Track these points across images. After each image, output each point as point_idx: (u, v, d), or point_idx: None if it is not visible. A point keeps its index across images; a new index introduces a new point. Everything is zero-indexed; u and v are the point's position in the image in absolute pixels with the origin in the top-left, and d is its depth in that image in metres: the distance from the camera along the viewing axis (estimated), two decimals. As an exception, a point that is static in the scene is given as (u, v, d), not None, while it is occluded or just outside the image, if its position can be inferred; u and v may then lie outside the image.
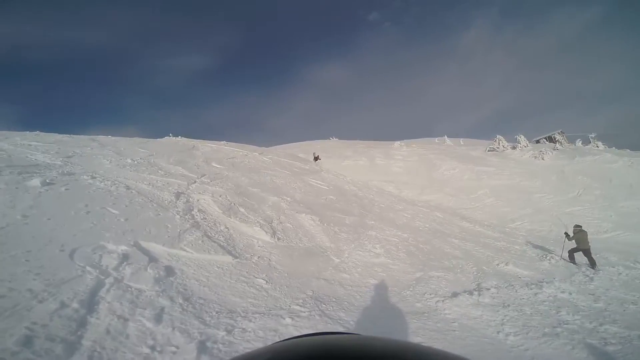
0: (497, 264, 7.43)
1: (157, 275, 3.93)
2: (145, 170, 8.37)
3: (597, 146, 32.07)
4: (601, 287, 6.40)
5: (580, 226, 9.23)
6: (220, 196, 7.42)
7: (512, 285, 5.95)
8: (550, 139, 37.81)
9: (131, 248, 4.40)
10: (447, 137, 44.62)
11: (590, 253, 8.43)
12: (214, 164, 10.95)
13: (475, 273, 6.53)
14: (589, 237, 8.70)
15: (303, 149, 35.00)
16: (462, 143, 41.61)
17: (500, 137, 31.08)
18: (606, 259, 8.90)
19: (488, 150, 30.00)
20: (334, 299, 4.55)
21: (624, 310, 5.21)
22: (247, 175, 10.25)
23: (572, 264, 8.52)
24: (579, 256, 8.66)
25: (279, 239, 6.14)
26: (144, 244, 4.65)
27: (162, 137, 18.41)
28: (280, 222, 6.92)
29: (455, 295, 5.15)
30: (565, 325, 4.47)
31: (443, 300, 4.90)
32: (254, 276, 4.71)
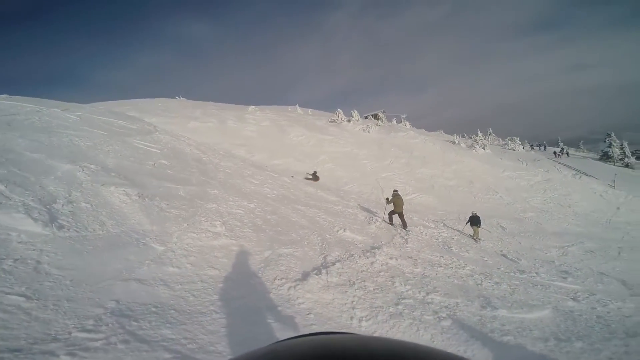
0: (337, 230, 7.80)
1: None
2: None
3: (406, 125, 40.49)
4: (415, 248, 7.67)
5: (397, 191, 10.96)
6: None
7: (352, 255, 6.21)
8: (375, 117, 45.03)
9: None
10: (299, 106, 46.10)
11: (403, 215, 10.13)
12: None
13: (320, 244, 6.50)
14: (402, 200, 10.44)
15: (138, 107, 28.18)
16: (310, 113, 43.87)
17: (340, 110, 34.39)
18: (411, 219, 11.00)
19: (330, 121, 32.75)
20: (153, 309, 3.23)
21: (437, 274, 6.29)
22: (29, 136, 6.73)
23: (390, 225, 10.05)
24: (395, 218, 10.31)
25: (60, 227, 4.01)
26: None
27: None
28: (70, 202, 4.62)
29: (305, 277, 4.79)
30: (403, 301, 4.84)
31: (295, 286, 4.41)
32: (2, 292, 2.80)
